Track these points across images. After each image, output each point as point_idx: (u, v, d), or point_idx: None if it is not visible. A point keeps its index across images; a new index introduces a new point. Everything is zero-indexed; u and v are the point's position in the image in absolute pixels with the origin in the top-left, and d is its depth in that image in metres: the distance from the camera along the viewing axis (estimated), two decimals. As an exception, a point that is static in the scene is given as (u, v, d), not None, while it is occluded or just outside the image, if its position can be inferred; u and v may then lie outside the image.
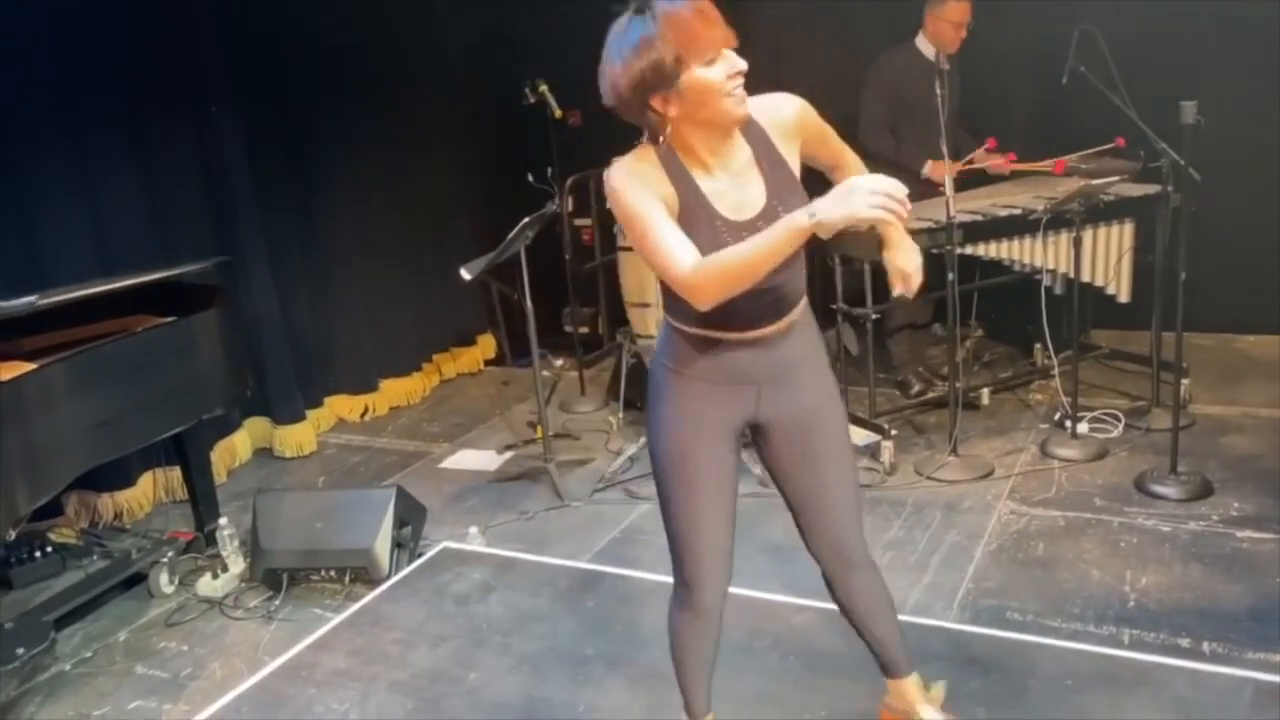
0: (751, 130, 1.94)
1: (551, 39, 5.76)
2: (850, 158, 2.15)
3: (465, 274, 3.92)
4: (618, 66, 1.82)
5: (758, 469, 4.02)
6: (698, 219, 1.89)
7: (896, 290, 2.09)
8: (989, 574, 3.24)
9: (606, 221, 5.64)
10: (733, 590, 3.13)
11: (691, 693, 2.26)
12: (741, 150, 1.94)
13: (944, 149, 3.74)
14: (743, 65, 1.84)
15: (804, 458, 2.09)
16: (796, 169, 2.00)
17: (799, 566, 3.33)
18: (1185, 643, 2.77)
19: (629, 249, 4.43)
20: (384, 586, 3.27)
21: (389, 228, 5.36)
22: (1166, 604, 2.98)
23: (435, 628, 3.02)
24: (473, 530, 3.65)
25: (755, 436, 2.14)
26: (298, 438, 4.83)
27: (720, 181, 1.92)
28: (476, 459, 4.60)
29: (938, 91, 3.68)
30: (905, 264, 2.07)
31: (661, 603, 2.80)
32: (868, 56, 4.56)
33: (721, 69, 1.81)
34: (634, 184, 1.86)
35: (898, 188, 1.66)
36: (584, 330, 5.80)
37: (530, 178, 4.78)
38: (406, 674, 2.81)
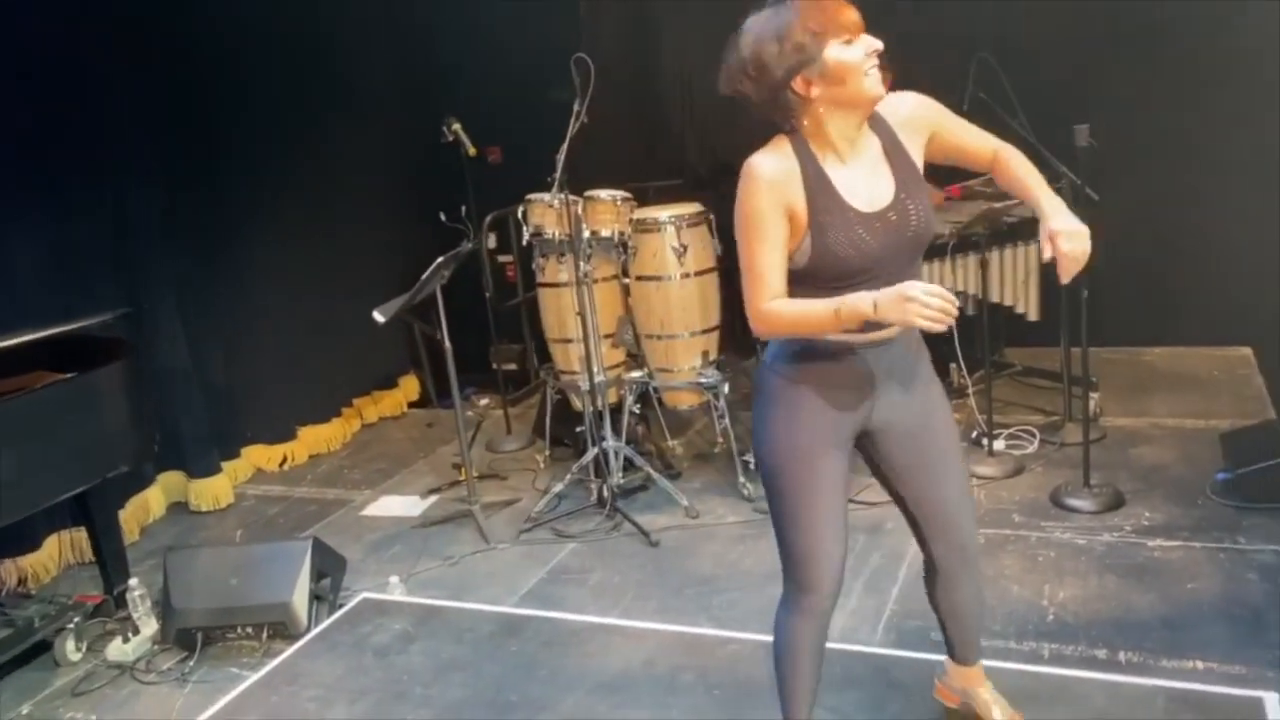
0: (879, 125, 2.02)
1: (468, 77, 5.78)
2: (995, 142, 2.13)
3: (379, 316, 3.86)
4: (763, 50, 1.89)
5: (684, 500, 4.03)
6: (829, 209, 1.93)
7: (1046, 254, 1.94)
8: (912, 596, 3.25)
9: (528, 258, 5.64)
10: (658, 626, 3.15)
11: (798, 701, 2.24)
12: (872, 143, 2.00)
13: None
14: (878, 45, 1.91)
15: (920, 461, 2.16)
16: (920, 164, 2.05)
17: (723, 598, 3.35)
18: (1102, 654, 2.82)
19: (549, 285, 4.41)
20: (301, 642, 3.18)
21: (305, 272, 5.28)
22: (1083, 616, 3.03)
23: (354, 682, 2.93)
24: (393, 579, 3.58)
25: (863, 441, 2.16)
26: (214, 491, 4.70)
27: (853, 171, 1.97)
28: (399, 505, 4.52)
29: None
30: (1062, 224, 1.93)
31: (586, 644, 2.78)
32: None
33: (860, 48, 1.89)
34: (765, 190, 1.91)
35: (948, 298, 1.76)
36: (511, 367, 5.77)
37: (442, 216, 4.75)
38: (325, 732, 2.74)
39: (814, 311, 1.89)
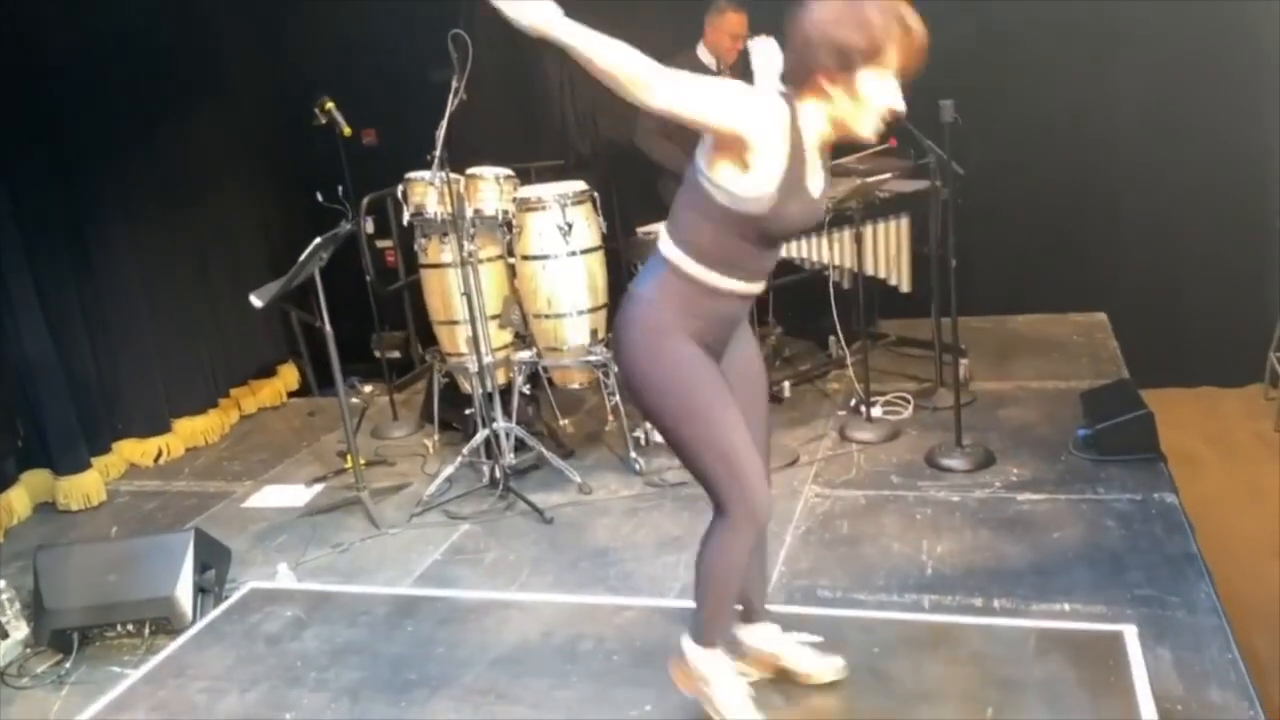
0: None
1: (339, 56, 5.64)
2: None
3: (256, 300, 3.75)
4: (838, 27, 1.95)
5: (577, 477, 4.06)
6: (798, 184, 2.05)
7: None
8: (800, 556, 3.37)
9: (408, 240, 5.56)
10: (555, 598, 3.18)
11: (725, 620, 2.32)
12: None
13: None
14: (901, 109, 2.02)
15: (753, 401, 2.30)
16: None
17: (618, 569, 3.40)
18: (979, 602, 2.98)
19: (432, 266, 4.36)
20: (186, 635, 3.08)
21: (176, 257, 5.09)
22: (960, 568, 3.19)
23: (245, 671, 2.86)
24: (282, 568, 3.50)
25: None
26: (84, 488, 4.49)
27: (812, 159, 2.09)
28: (283, 495, 4.41)
29: None
30: None
31: (483, 619, 2.78)
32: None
33: (889, 98, 2.00)
34: (766, 111, 1.98)
35: None
36: (395, 355, 5.68)
37: (319, 197, 4.64)
38: (216, 723, 2.67)
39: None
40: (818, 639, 2.55)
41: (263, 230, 5.73)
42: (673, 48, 4.66)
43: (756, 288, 2.18)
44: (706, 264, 2.08)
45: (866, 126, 2.04)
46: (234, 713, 2.67)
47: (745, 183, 2.01)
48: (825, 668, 2.49)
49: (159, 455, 4.97)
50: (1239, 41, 4.78)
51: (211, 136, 5.31)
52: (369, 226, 5.49)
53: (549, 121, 5.85)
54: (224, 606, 3.23)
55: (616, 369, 4.23)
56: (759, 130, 1.97)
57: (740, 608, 2.46)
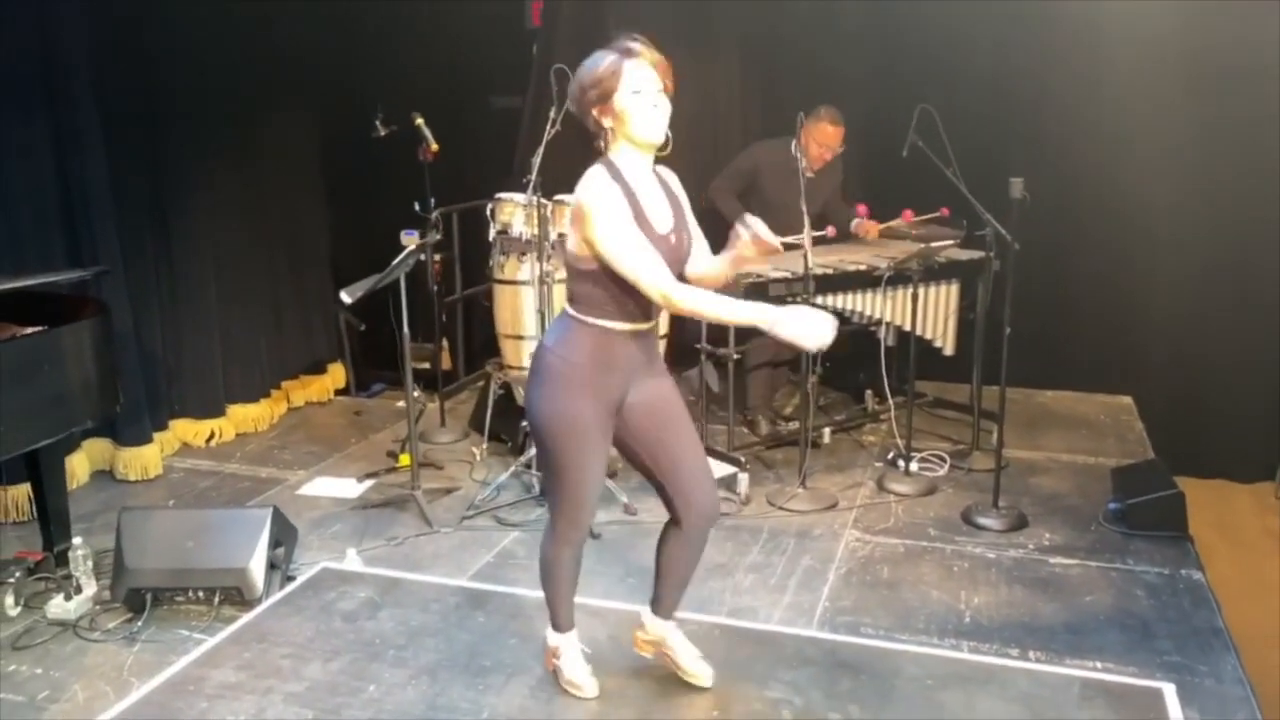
0: (662, 177, 2.56)
1: (403, 71, 5.85)
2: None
3: (346, 297, 3.95)
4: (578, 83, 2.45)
5: (624, 497, 4.22)
6: (643, 223, 2.42)
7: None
8: (842, 594, 3.53)
9: (466, 255, 5.75)
10: (617, 605, 3.34)
11: (563, 609, 2.77)
12: (655, 181, 2.52)
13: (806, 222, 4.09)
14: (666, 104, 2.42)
15: (664, 428, 2.59)
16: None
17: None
18: (1014, 652, 3.14)
19: (507, 282, 4.55)
20: (266, 605, 3.23)
21: (245, 248, 5.27)
22: (996, 620, 3.36)
23: (326, 643, 3.01)
24: (351, 552, 3.64)
25: (621, 415, 2.56)
26: (143, 460, 4.64)
27: (647, 194, 2.46)
28: (335, 486, 4.57)
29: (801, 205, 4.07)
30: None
31: (540, 617, 2.93)
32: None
33: (645, 99, 2.38)
34: (616, 207, 2.36)
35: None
36: (424, 365, 5.82)
37: (416, 206, 4.84)
38: (302, 686, 2.80)
39: (729, 303, 2.39)
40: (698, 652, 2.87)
41: (327, 231, 5.92)
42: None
43: (645, 326, 2.51)
44: (596, 314, 2.46)
45: (647, 133, 2.40)
46: (318, 679, 2.81)
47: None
48: (700, 671, 2.84)
49: (211, 437, 5.12)
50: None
51: (287, 142, 5.52)
52: (415, 239, 5.65)
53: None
54: (298, 582, 3.37)
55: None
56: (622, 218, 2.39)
57: (653, 596, 2.84)
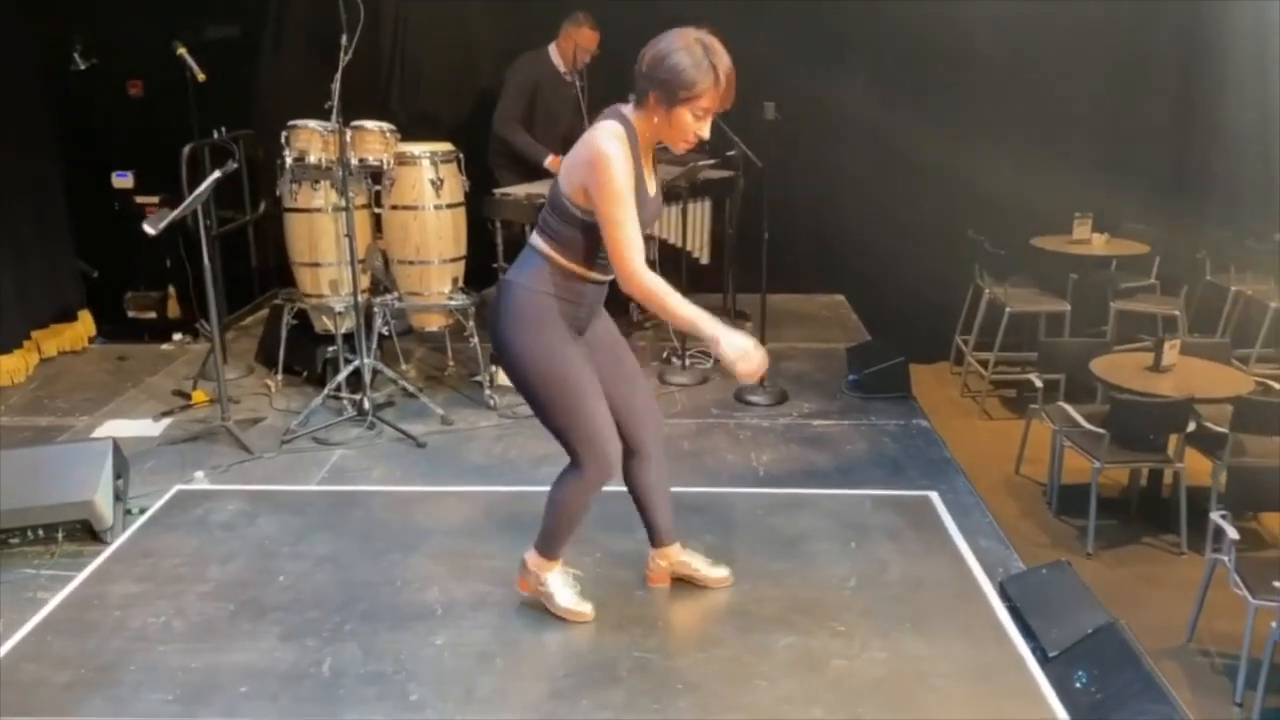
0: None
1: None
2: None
3: (149, 229, 3.89)
4: (669, 65, 2.41)
5: (440, 409, 4.49)
6: (641, 190, 2.50)
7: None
8: (657, 466, 4.07)
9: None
10: (483, 488, 3.65)
11: (566, 543, 2.80)
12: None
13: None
14: (705, 136, 2.50)
15: (621, 369, 2.76)
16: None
17: (507, 479, 3.91)
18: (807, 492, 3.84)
19: (301, 210, 4.61)
20: (133, 529, 3.24)
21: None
22: (783, 470, 4.05)
23: (217, 549, 3.11)
24: (199, 474, 3.69)
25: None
26: (-100, 419, 4.29)
27: (646, 166, 2.55)
28: (132, 427, 4.47)
29: (576, 98, 4.43)
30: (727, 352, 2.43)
31: (425, 505, 3.20)
32: (499, 54, 5.26)
33: (700, 128, 2.47)
34: (623, 169, 2.40)
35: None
36: (150, 315, 5.69)
37: (217, 134, 4.76)
38: (210, 586, 2.91)
39: (680, 304, 2.45)
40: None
41: (55, 176, 5.54)
42: (525, 43, 5.23)
43: (611, 277, 2.58)
44: (572, 258, 2.53)
45: (678, 145, 2.53)
46: (224, 579, 2.93)
47: None
48: (721, 573, 3.01)
49: (-38, 392, 4.77)
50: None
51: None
52: (130, 180, 5.42)
53: (374, 89, 6.11)
54: (158, 505, 3.40)
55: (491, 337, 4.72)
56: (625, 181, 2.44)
57: (649, 531, 2.96)
